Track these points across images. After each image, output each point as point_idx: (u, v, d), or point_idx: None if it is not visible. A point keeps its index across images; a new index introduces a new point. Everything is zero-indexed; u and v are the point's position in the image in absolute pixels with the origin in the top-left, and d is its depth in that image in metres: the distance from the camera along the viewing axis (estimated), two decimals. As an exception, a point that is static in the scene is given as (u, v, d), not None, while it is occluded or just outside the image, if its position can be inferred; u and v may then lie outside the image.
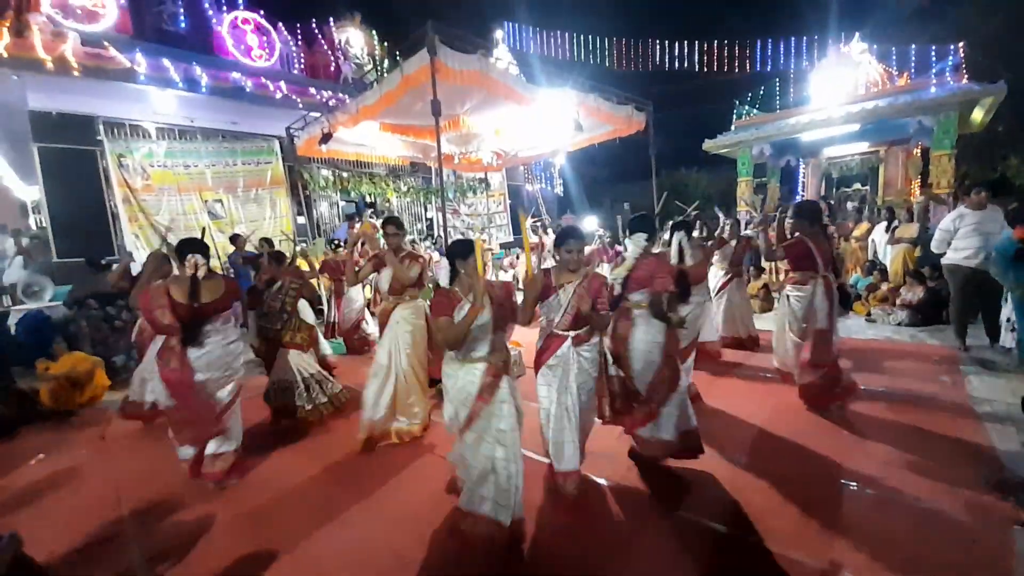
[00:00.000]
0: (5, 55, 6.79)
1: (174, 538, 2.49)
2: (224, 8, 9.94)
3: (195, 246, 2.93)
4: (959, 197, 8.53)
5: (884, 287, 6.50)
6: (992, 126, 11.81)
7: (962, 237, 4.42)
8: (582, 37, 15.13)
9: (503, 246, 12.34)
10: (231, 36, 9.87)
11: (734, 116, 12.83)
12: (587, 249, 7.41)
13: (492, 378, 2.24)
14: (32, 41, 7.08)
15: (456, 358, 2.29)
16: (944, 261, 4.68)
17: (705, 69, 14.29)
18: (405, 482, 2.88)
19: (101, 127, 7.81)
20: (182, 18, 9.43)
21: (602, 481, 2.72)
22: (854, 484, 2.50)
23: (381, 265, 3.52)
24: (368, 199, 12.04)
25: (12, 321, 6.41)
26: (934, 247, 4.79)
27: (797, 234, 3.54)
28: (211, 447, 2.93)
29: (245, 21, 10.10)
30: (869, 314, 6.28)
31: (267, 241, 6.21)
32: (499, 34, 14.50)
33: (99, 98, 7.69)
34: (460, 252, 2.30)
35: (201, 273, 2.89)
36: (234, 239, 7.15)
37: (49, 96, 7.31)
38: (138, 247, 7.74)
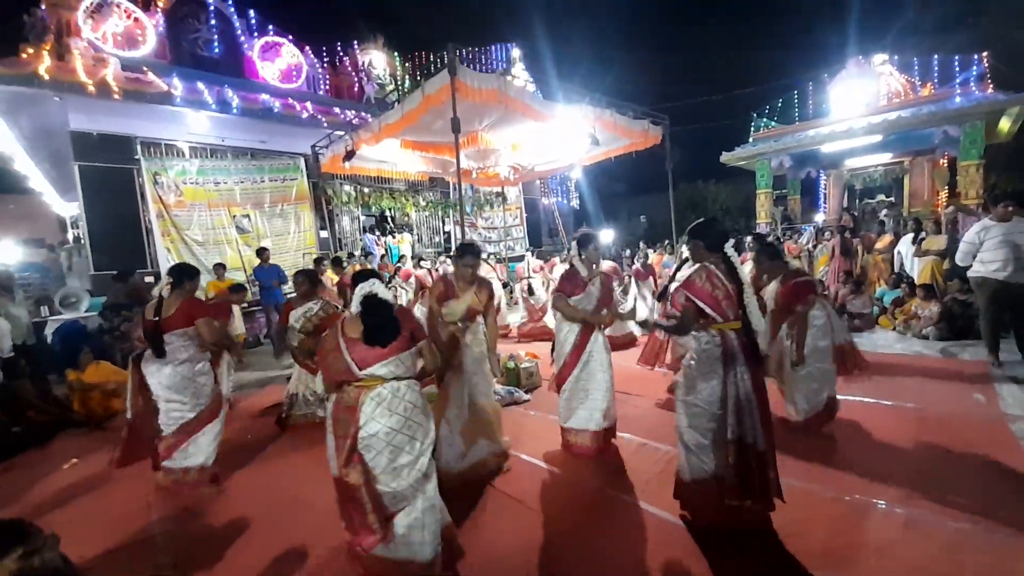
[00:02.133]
0: (47, 78, 7.16)
1: (202, 544, 2.55)
2: (255, 34, 10.41)
3: (174, 271, 3.13)
4: (988, 208, 8.30)
5: (912, 301, 6.34)
6: (1020, 136, 11.51)
7: (989, 249, 4.31)
8: (599, 53, 15.32)
9: (518, 259, 12.40)
10: (261, 60, 10.31)
11: (752, 128, 12.77)
12: (605, 265, 7.44)
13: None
14: (74, 65, 7.49)
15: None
16: (971, 274, 4.56)
17: (722, 81, 14.33)
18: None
19: (139, 146, 8.20)
20: (216, 44, 9.90)
21: (621, 495, 2.70)
22: (883, 503, 2.43)
23: (447, 296, 3.05)
24: (388, 213, 12.29)
25: (49, 331, 6.71)
26: (959, 260, 4.68)
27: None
28: (178, 461, 3.05)
29: (274, 46, 10.55)
30: (895, 328, 6.14)
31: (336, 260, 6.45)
32: (516, 52, 14.79)
33: (137, 119, 8.09)
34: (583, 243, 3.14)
35: (166, 292, 3.01)
36: (260, 252, 7.37)
37: (90, 117, 7.71)
38: (169, 260, 8.04)
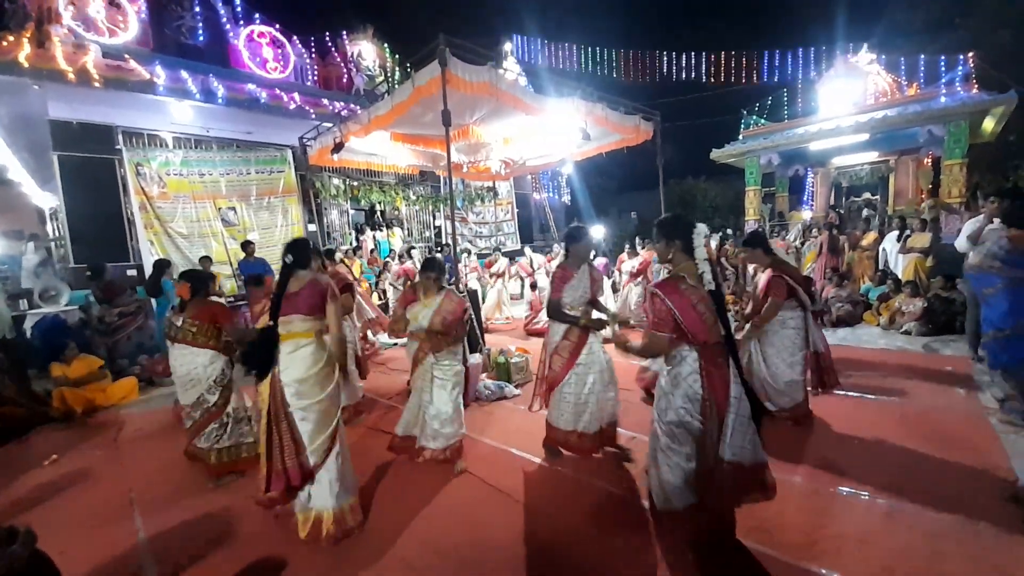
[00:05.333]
0: (26, 65, 6.94)
1: (185, 539, 2.52)
2: (241, 22, 10.19)
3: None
4: (970, 207, 8.45)
5: (898, 297, 6.44)
6: (1003, 136, 11.72)
7: (981, 245, 4.37)
8: (590, 48, 15.29)
9: (509, 254, 12.39)
10: (247, 49, 10.11)
11: (742, 126, 12.85)
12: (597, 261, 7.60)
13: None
14: (53, 52, 7.27)
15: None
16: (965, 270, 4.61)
17: (713, 79, 14.36)
18: (422, 500, 2.87)
19: (120, 136, 8.00)
20: (200, 32, 9.69)
21: (613, 488, 2.71)
22: (865, 494, 2.48)
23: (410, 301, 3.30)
24: (378, 207, 12.17)
25: (28, 324, 6.55)
26: (960, 248, 4.70)
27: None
28: None
29: (261, 35, 10.35)
30: (879, 324, 6.25)
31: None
32: (508, 46, 14.70)
33: (119, 108, 7.88)
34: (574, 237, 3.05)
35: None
36: (245, 246, 7.26)
37: (70, 106, 7.50)
38: (152, 253, 7.89)
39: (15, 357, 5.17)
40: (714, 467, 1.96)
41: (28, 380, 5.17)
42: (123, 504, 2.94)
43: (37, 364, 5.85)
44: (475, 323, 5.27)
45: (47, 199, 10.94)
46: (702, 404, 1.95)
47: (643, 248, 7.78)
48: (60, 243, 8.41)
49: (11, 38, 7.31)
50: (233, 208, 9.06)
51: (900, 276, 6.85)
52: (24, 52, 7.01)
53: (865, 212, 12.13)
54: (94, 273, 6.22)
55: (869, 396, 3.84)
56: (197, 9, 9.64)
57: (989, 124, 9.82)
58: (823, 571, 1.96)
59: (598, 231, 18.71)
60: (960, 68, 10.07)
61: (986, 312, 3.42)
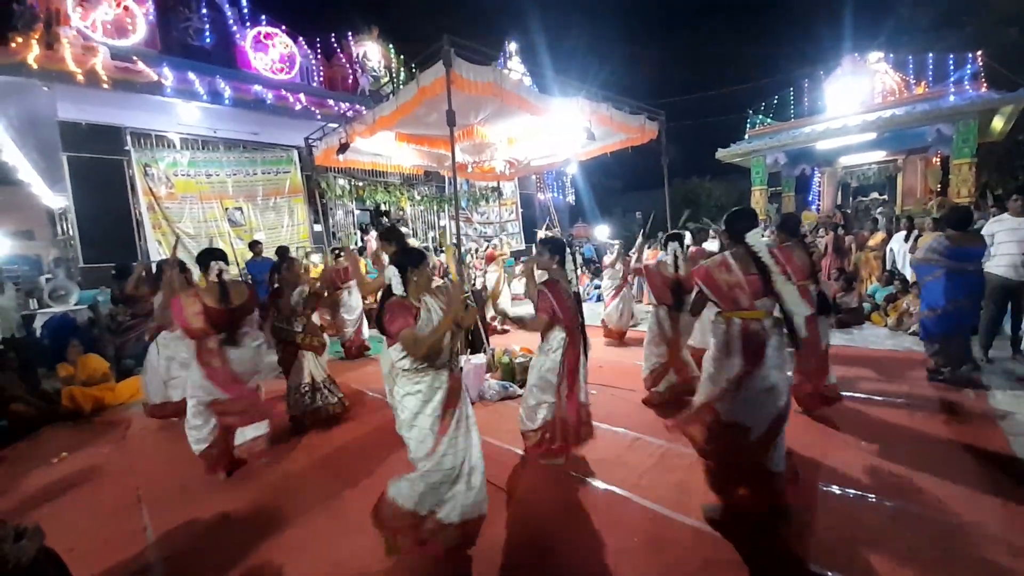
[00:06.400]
0: (36, 67, 7.04)
1: (192, 536, 2.54)
2: (247, 24, 10.27)
3: (216, 254, 3.12)
4: (979, 206, 8.37)
5: (906, 298, 6.38)
6: (1012, 135, 11.60)
7: (997, 243, 4.34)
8: (595, 47, 15.26)
9: (514, 254, 12.39)
10: (253, 50, 10.18)
11: (747, 125, 12.79)
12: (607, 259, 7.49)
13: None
14: (63, 54, 7.35)
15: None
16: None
17: (718, 78, 14.31)
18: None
19: (128, 137, 8.08)
20: (207, 34, 9.76)
21: (615, 488, 2.71)
22: (872, 496, 2.46)
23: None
24: (383, 207, 12.21)
25: (38, 324, 6.62)
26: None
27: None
28: (249, 432, 3.46)
29: (267, 36, 10.42)
30: (887, 324, 6.20)
31: (284, 248, 6.38)
32: (512, 46, 14.69)
33: (127, 109, 7.97)
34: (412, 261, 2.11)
35: (225, 277, 3.10)
36: (253, 245, 7.30)
37: (78, 107, 7.58)
38: (160, 253, 7.96)
39: (24, 356, 5.23)
40: (574, 405, 2.89)
41: (37, 378, 5.23)
42: (131, 501, 2.96)
43: (46, 363, 5.92)
44: (479, 322, 5.27)
45: (57, 199, 11.08)
46: (560, 368, 2.84)
47: (649, 248, 7.75)
48: (69, 243, 8.51)
49: (20, 40, 7.40)
50: (240, 208, 9.13)
51: (909, 276, 6.77)
52: (33, 54, 7.10)
53: (873, 212, 12.04)
54: (120, 273, 6.24)
55: (876, 397, 3.81)
56: (204, 11, 9.72)
57: (998, 123, 9.74)
58: (829, 574, 1.95)
59: (603, 231, 18.66)
60: (969, 66, 9.98)
61: (924, 294, 4.18)
